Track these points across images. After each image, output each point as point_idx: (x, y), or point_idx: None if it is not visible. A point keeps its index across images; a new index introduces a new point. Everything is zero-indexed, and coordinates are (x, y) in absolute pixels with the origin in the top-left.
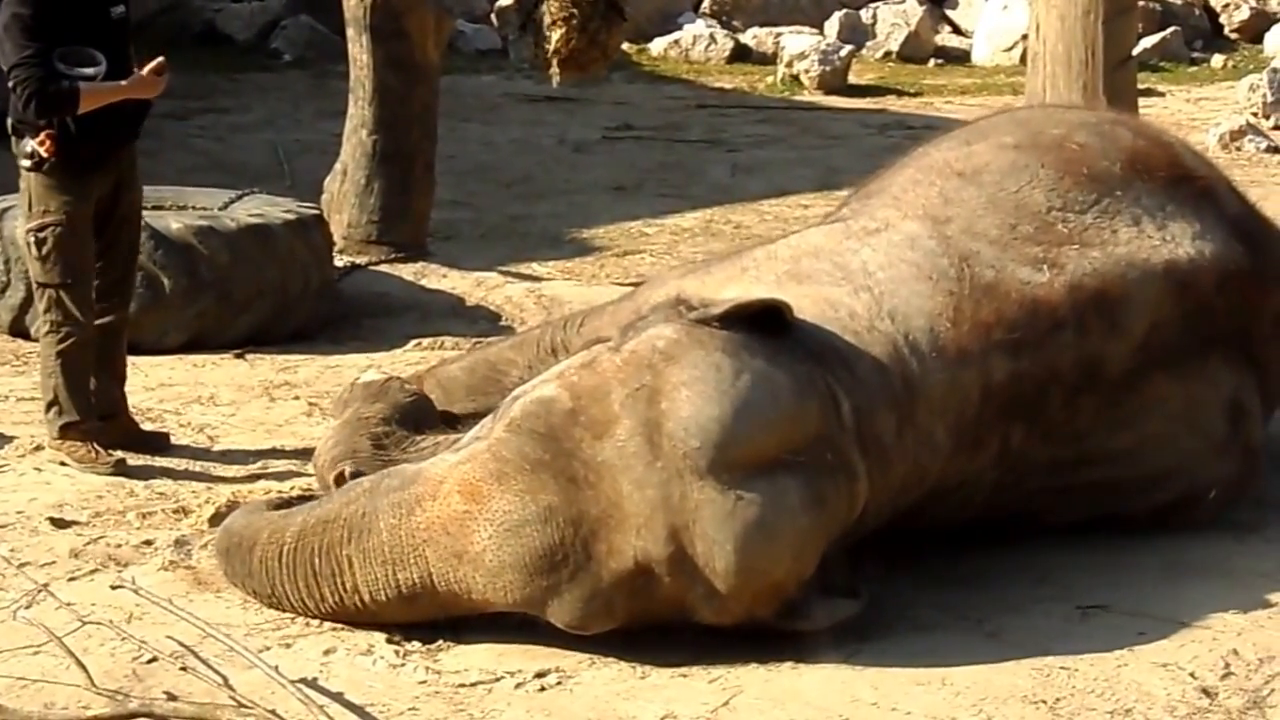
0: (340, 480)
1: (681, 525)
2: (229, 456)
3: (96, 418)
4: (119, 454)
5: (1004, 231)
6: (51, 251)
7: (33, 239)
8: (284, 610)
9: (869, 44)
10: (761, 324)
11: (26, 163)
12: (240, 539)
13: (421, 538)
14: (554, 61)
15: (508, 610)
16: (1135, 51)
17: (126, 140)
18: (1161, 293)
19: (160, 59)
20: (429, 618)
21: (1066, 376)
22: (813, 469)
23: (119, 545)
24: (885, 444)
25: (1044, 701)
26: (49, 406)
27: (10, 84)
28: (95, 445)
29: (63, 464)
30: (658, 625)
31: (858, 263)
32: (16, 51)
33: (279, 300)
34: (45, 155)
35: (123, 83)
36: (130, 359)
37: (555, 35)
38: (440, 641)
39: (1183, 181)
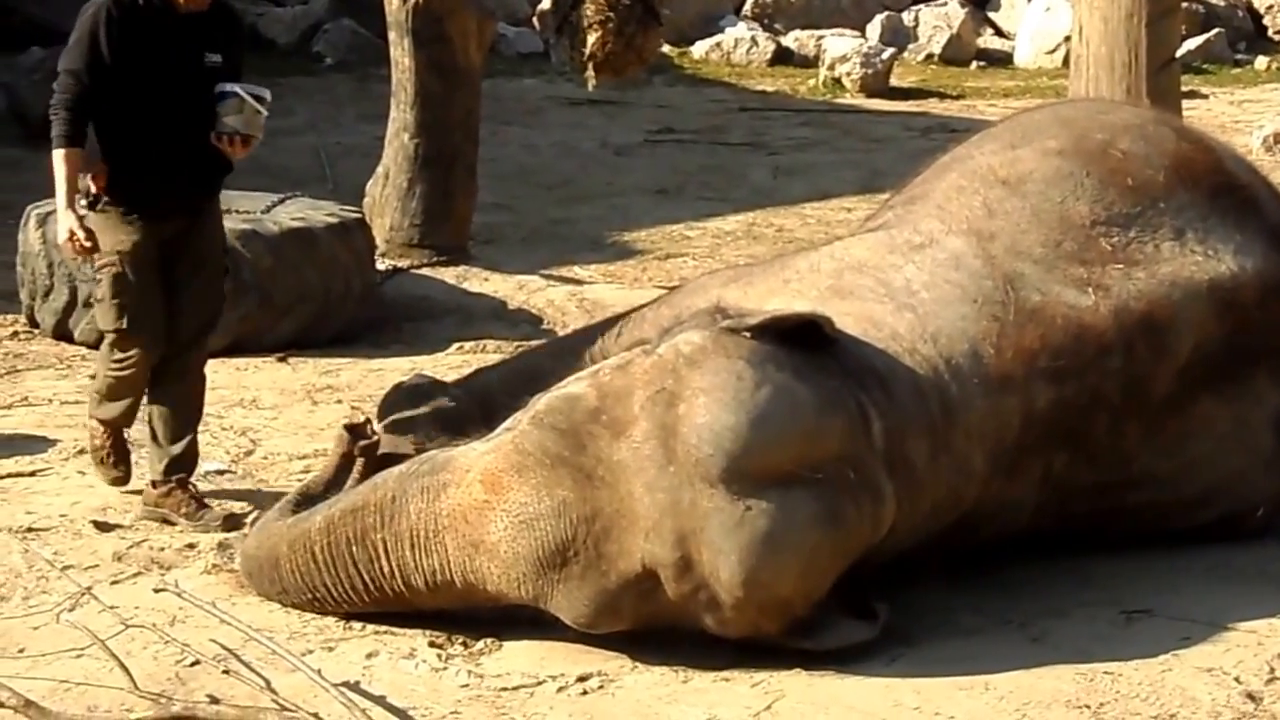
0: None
1: (689, 531)
2: (270, 460)
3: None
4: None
5: (1048, 250)
6: (106, 294)
7: (93, 281)
8: (326, 611)
9: (911, 46)
10: (801, 338)
11: (83, 201)
12: (259, 560)
13: (444, 524)
14: (590, 65)
15: (521, 604)
16: (1178, 54)
17: (195, 191)
18: (1206, 312)
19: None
20: (457, 605)
21: (1111, 402)
22: (831, 487)
23: (162, 549)
24: (916, 468)
25: (1087, 706)
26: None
27: (56, 88)
28: (118, 440)
29: (165, 520)
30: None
31: (901, 280)
32: (69, 59)
33: (321, 304)
34: (95, 191)
35: (65, 201)
36: None
37: (591, 39)
38: (482, 645)
39: (1225, 190)
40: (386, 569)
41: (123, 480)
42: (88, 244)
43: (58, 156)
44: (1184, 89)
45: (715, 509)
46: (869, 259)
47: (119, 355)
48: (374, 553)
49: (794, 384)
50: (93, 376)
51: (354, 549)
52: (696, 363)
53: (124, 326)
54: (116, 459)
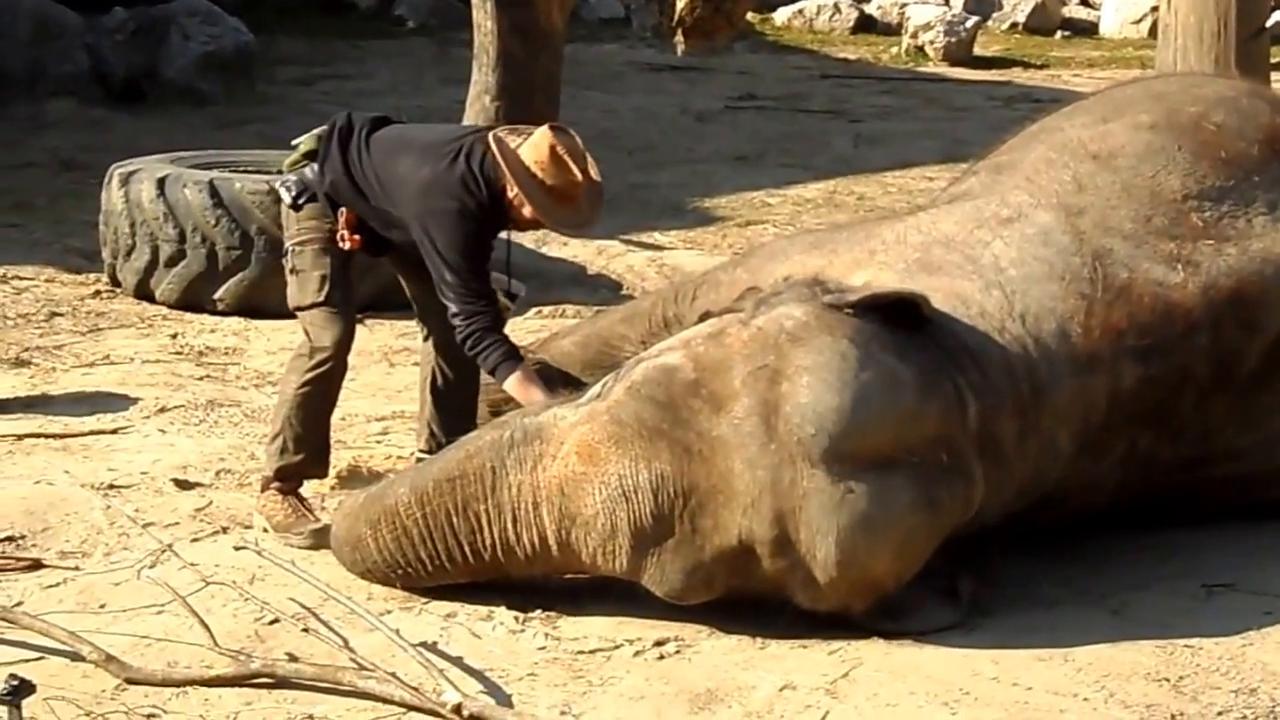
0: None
1: (788, 510)
2: (349, 421)
3: (323, 466)
4: (325, 521)
5: (1138, 225)
6: (305, 268)
7: (287, 254)
8: (411, 585)
9: (995, 15)
10: (897, 314)
11: (286, 196)
12: (340, 540)
13: (542, 495)
14: (679, 30)
15: (615, 575)
16: (1268, 23)
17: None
18: None
19: None
20: (552, 574)
21: (1198, 379)
22: (927, 470)
23: (242, 507)
24: (1005, 449)
25: (1167, 679)
26: (273, 438)
27: (456, 304)
28: (299, 502)
29: (264, 529)
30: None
31: (989, 257)
32: (468, 286)
33: None
34: (348, 244)
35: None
36: (252, 323)
37: (681, 4)
38: (560, 608)
39: None
40: (488, 540)
41: (323, 533)
42: None
43: (513, 382)
44: (1274, 60)
45: (816, 489)
46: (956, 233)
47: (315, 340)
48: (476, 524)
49: (897, 365)
50: (274, 434)
51: (455, 520)
52: (799, 340)
53: (321, 300)
54: (310, 511)
